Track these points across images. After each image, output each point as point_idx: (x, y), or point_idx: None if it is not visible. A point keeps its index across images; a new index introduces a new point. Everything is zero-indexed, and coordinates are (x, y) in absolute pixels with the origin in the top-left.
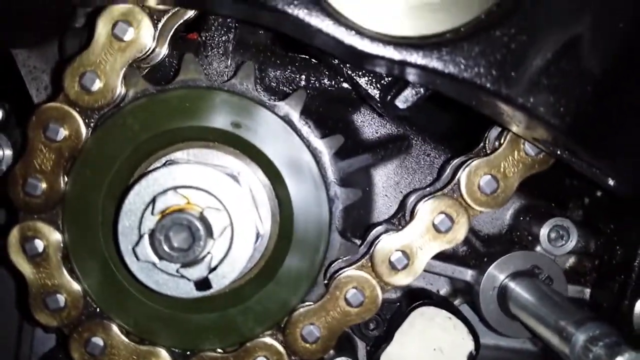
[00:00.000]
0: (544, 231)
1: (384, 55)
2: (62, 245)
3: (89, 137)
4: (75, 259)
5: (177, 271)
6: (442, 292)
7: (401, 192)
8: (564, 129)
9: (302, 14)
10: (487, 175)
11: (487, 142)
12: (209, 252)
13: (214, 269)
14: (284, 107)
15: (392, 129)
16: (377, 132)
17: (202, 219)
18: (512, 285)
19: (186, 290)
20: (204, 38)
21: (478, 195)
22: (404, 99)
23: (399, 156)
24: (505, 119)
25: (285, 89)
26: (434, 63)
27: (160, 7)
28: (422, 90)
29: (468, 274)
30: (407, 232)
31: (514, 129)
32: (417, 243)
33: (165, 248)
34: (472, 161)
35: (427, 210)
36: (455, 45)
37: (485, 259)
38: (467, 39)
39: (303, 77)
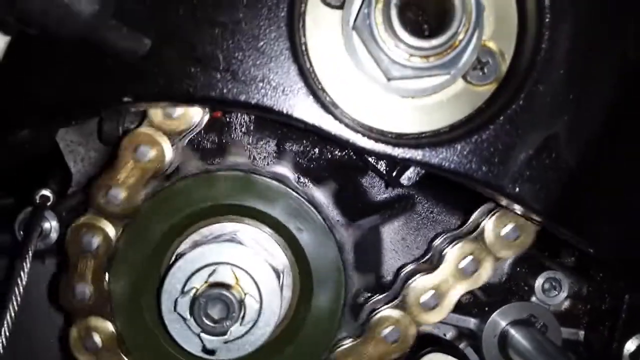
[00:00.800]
0: (538, 283)
1: (385, 152)
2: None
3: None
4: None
5: (198, 334)
6: (448, 336)
7: (407, 246)
8: (546, 212)
9: (304, 114)
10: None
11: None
12: (230, 330)
13: (227, 342)
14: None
15: (397, 190)
16: (383, 194)
17: (241, 303)
18: (512, 332)
19: (195, 349)
20: (227, 118)
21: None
22: (407, 178)
23: (405, 214)
24: (496, 199)
25: (300, 161)
26: (432, 160)
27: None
28: (423, 170)
29: (471, 322)
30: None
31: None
32: None
33: (200, 311)
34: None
35: None
36: (451, 146)
37: (487, 308)
38: (461, 139)
39: (316, 150)
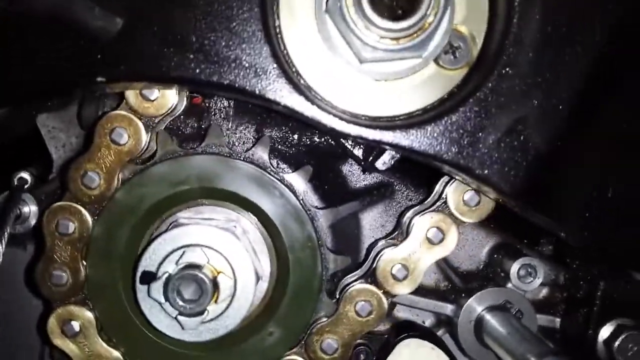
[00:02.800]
0: (514, 269)
1: (360, 135)
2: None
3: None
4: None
5: (176, 317)
6: (427, 323)
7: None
8: (514, 193)
9: (277, 96)
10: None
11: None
12: (206, 310)
13: (207, 322)
14: (289, 177)
15: (376, 177)
16: (362, 181)
17: (214, 282)
18: (487, 318)
19: (174, 332)
20: (207, 103)
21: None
22: (382, 162)
23: (384, 201)
24: (466, 181)
25: (280, 147)
26: (404, 142)
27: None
28: (398, 155)
29: (448, 309)
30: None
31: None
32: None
33: (174, 294)
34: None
35: None
36: (422, 127)
37: (463, 295)
38: (432, 121)
39: (295, 136)
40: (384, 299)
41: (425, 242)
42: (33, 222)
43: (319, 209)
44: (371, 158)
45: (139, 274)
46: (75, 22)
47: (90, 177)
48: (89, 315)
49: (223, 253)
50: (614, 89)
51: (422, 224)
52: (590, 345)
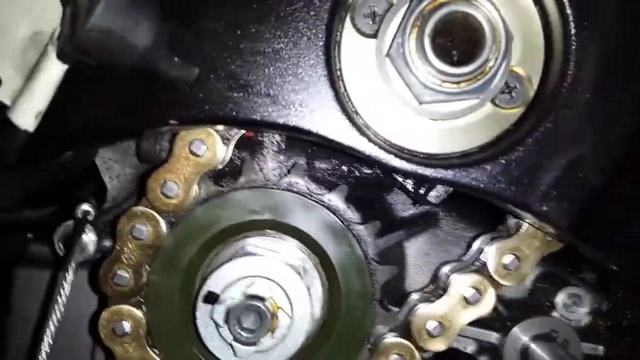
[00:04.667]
0: (559, 298)
1: (415, 172)
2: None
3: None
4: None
5: (231, 342)
6: (469, 349)
7: (431, 262)
8: (571, 229)
9: (339, 136)
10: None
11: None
12: (260, 341)
13: (259, 353)
14: (330, 198)
15: (422, 207)
16: (408, 210)
17: (274, 317)
18: (533, 347)
19: (225, 356)
20: (259, 137)
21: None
22: (435, 196)
23: (429, 230)
24: (522, 216)
25: (330, 178)
26: (462, 180)
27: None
28: (450, 188)
29: (493, 337)
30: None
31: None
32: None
33: (234, 321)
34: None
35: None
36: (480, 166)
37: (508, 323)
38: (490, 160)
39: (345, 168)
40: (416, 354)
41: (462, 302)
42: (92, 250)
43: (359, 224)
44: (422, 191)
45: (203, 293)
46: (156, 72)
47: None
48: (141, 317)
49: (286, 290)
50: None
51: (461, 282)
52: None
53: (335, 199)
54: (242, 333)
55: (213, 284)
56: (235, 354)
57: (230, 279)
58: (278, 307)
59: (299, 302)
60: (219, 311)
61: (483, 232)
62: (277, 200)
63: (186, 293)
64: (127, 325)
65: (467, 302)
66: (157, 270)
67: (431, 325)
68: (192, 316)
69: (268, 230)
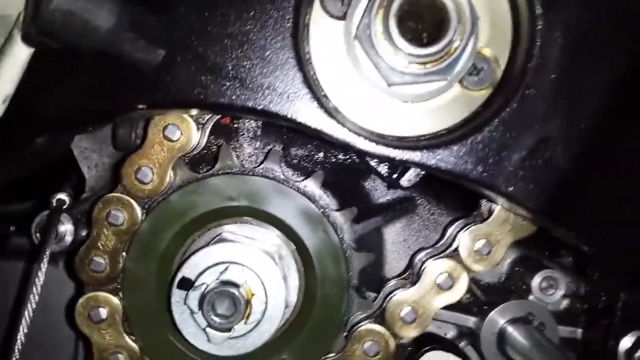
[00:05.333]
0: (535, 281)
1: (385, 154)
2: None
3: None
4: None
5: (204, 328)
6: (449, 335)
7: (409, 247)
8: (539, 210)
9: (308, 119)
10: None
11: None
12: (249, 314)
13: (231, 339)
14: (306, 184)
15: (399, 192)
16: (385, 196)
17: (248, 303)
18: (510, 330)
19: (198, 342)
20: (235, 124)
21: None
22: (407, 179)
23: (406, 216)
24: (493, 198)
25: (305, 164)
26: (431, 161)
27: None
28: (422, 172)
29: (471, 321)
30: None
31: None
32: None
33: (208, 306)
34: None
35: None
36: (448, 147)
37: (485, 307)
38: (458, 141)
39: (321, 154)
40: (391, 341)
41: (435, 288)
42: (69, 240)
43: (336, 210)
44: (396, 175)
45: (178, 279)
46: (120, 55)
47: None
48: (117, 304)
49: (261, 276)
50: (635, 109)
51: (434, 269)
52: (611, 356)
53: (311, 185)
54: (216, 319)
55: (188, 270)
56: (209, 340)
57: (204, 265)
58: (252, 294)
59: (274, 289)
60: (193, 297)
61: (458, 217)
62: (253, 186)
63: (162, 279)
64: (103, 312)
65: (440, 287)
66: (133, 256)
67: (405, 311)
68: (167, 303)
69: (244, 217)
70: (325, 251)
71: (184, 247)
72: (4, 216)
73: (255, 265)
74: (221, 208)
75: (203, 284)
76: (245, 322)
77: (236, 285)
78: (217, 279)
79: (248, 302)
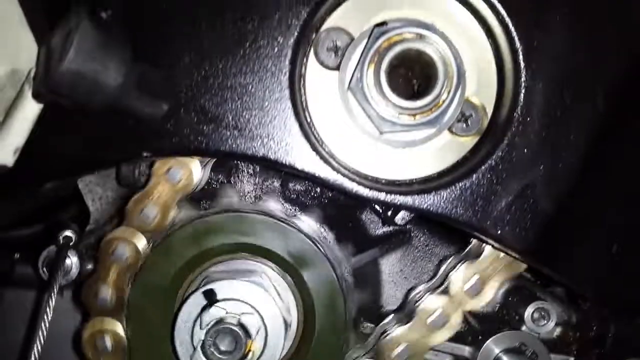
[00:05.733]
0: (527, 312)
1: (378, 199)
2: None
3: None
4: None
5: None
6: None
7: (405, 278)
8: (526, 251)
9: (305, 165)
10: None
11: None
12: (250, 350)
13: None
14: (304, 221)
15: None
16: (381, 229)
17: (241, 324)
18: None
19: None
20: (235, 161)
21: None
22: (401, 218)
23: (402, 247)
24: (482, 240)
25: (303, 199)
26: (421, 205)
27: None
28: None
29: (466, 350)
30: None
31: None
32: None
33: (215, 353)
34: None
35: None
36: (438, 192)
37: (480, 337)
38: (447, 186)
39: (318, 189)
40: None
41: (429, 325)
42: (75, 272)
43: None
44: (390, 213)
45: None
46: (127, 111)
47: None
48: (122, 335)
49: (260, 312)
50: (614, 154)
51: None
52: None
53: (308, 221)
54: (223, 357)
55: (179, 326)
56: None
57: (190, 326)
58: (240, 313)
59: (267, 311)
60: (199, 355)
61: (449, 254)
62: (252, 223)
63: (166, 314)
64: (108, 342)
65: (434, 325)
66: (137, 290)
67: (398, 350)
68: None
69: (242, 253)
70: (323, 287)
71: (185, 284)
72: (7, 242)
73: (253, 301)
74: (220, 245)
75: (199, 340)
76: (252, 338)
77: (220, 321)
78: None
79: (240, 324)
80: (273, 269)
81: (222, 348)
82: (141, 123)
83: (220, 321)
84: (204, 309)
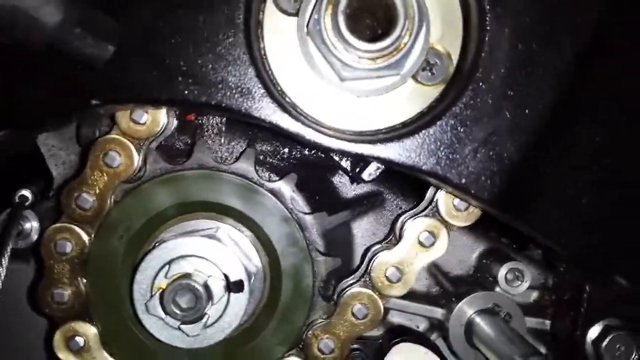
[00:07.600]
0: (501, 273)
1: (342, 149)
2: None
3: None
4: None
5: (178, 327)
6: (421, 327)
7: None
8: (492, 201)
9: (262, 113)
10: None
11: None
12: (206, 313)
13: (210, 326)
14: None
15: (366, 187)
16: (353, 191)
17: (206, 286)
18: (477, 321)
19: (180, 342)
20: (200, 120)
21: None
22: (368, 174)
23: (374, 210)
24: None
25: (271, 160)
26: (385, 155)
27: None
28: (382, 166)
29: (439, 313)
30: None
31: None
32: None
33: (172, 305)
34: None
35: None
36: (401, 140)
37: (454, 299)
38: (411, 134)
39: (286, 149)
40: (379, 302)
41: (417, 245)
42: (35, 237)
43: (306, 214)
44: (358, 169)
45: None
46: (68, 50)
47: (84, 199)
48: (93, 330)
49: (208, 258)
50: (582, 103)
51: (415, 227)
52: (579, 347)
53: (283, 187)
54: (184, 313)
55: (139, 287)
56: (188, 336)
57: (151, 273)
58: (208, 276)
59: (227, 263)
60: (154, 304)
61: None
62: (224, 183)
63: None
64: (81, 340)
65: (422, 245)
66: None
67: (390, 271)
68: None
69: (190, 215)
70: (274, 220)
71: (149, 241)
72: None
73: (198, 251)
74: (157, 214)
75: (158, 288)
76: (212, 304)
77: (188, 276)
78: (166, 279)
79: (206, 285)
80: (229, 224)
81: (180, 303)
82: (88, 68)
83: (186, 275)
84: (174, 260)
